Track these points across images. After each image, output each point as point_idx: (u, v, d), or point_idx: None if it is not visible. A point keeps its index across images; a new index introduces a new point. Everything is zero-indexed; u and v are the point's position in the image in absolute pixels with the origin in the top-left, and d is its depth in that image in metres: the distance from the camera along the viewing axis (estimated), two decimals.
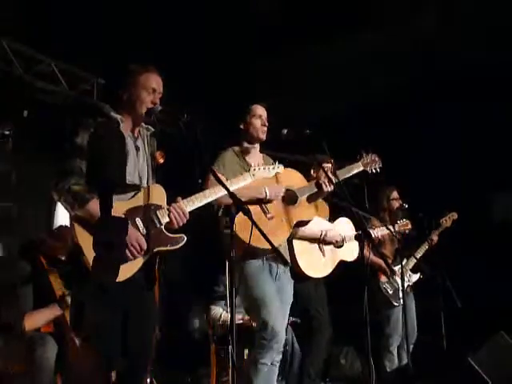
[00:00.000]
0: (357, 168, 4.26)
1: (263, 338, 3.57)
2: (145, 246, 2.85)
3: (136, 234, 2.85)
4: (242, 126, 3.97)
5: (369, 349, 4.03)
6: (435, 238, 5.73)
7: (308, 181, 4.23)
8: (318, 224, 4.47)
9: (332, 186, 4.00)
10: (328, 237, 4.58)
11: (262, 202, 3.75)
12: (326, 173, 4.46)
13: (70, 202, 2.83)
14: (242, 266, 3.67)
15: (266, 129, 3.95)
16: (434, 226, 5.76)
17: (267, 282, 3.74)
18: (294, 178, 4.03)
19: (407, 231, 5.48)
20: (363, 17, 5.71)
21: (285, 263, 3.42)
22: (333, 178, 4.02)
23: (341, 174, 4.15)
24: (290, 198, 3.93)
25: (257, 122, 3.94)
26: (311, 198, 4.08)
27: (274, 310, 3.64)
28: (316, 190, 4.01)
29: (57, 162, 3.05)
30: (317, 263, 4.51)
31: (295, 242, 4.37)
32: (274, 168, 3.62)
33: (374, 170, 4.32)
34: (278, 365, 3.78)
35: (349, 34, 5.88)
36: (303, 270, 4.39)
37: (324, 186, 3.98)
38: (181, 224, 3.01)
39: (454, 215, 5.88)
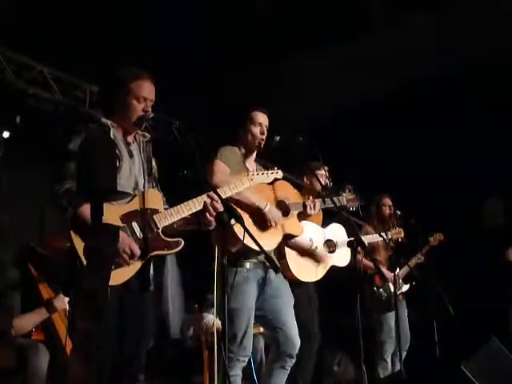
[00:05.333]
0: (340, 202, 4.38)
1: (230, 351, 3.54)
2: (138, 253, 2.84)
3: (129, 241, 2.83)
4: (240, 132, 3.94)
5: (361, 356, 4.03)
6: (421, 257, 5.76)
7: (300, 189, 4.30)
8: (308, 231, 4.48)
9: (317, 210, 4.09)
10: (317, 250, 4.54)
11: (257, 212, 3.73)
12: (318, 180, 4.51)
13: (64, 206, 2.82)
14: (226, 272, 3.66)
15: (264, 137, 3.92)
16: (422, 242, 5.80)
17: (247, 296, 3.71)
18: (289, 191, 4.05)
19: (399, 239, 5.50)
20: (362, 20, 5.74)
21: (275, 269, 3.41)
22: (322, 202, 4.16)
23: (328, 202, 4.24)
24: (283, 210, 3.94)
25: (256, 130, 3.89)
26: (300, 217, 4.10)
27: (244, 325, 3.64)
28: (302, 209, 4.06)
29: (51, 168, 3.03)
30: (308, 268, 4.50)
31: (286, 249, 4.35)
32: (272, 173, 3.61)
33: (352, 208, 4.47)
34: (289, 369, 3.81)
35: (348, 37, 5.90)
36: (295, 274, 4.38)
37: (308, 209, 4.05)
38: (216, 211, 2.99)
39: (441, 236, 5.92)
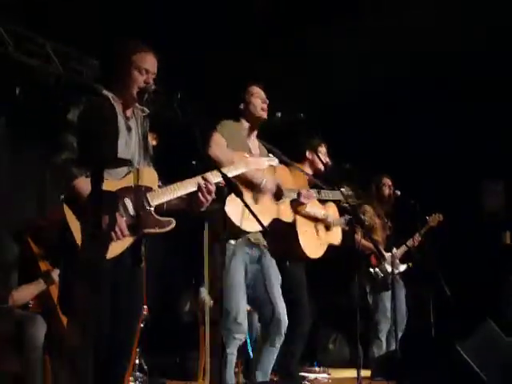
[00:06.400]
0: (337, 196, 4.40)
1: (225, 328, 3.57)
2: (126, 232, 2.83)
3: (119, 220, 2.83)
4: (241, 106, 3.94)
5: (357, 335, 4.06)
6: (418, 238, 5.77)
7: (302, 163, 4.26)
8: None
9: (310, 201, 4.15)
10: (329, 216, 4.61)
11: (254, 187, 3.74)
12: (319, 157, 4.51)
13: (58, 178, 2.82)
14: (214, 248, 3.67)
15: (266, 106, 3.94)
16: (421, 223, 5.80)
17: (238, 271, 3.71)
18: (286, 177, 4.07)
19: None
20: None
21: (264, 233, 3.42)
22: (318, 194, 4.23)
23: (324, 194, 4.31)
24: (277, 194, 3.95)
25: (257, 101, 3.92)
26: (292, 204, 4.12)
27: (237, 301, 3.64)
28: (296, 196, 4.08)
29: (50, 142, 3.03)
30: (314, 244, 4.52)
31: (299, 220, 4.35)
32: (268, 160, 3.61)
33: (347, 205, 4.45)
34: (278, 347, 3.83)
35: (349, 22, 5.85)
36: (303, 249, 4.39)
37: (302, 197, 4.08)
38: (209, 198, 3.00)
39: (440, 217, 5.92)
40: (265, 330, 3.80)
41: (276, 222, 3.93)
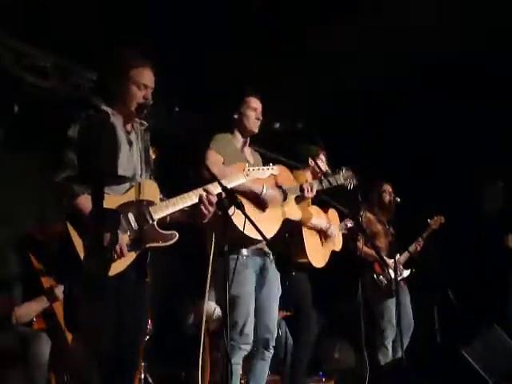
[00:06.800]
0: (338, 180, 4.37)
1: (232, 339, 3.55)
2: (125, 252, 2.81)
3: (120, 239, 2.81)
4: (235, 116, 3.94)
5: (363, 343, 4.04)
6: (421, 242, 5.78)
7: (304, 170, 4.32)
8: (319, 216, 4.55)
9: (313, 193, 4.08)
10: (330, 230, 4.61)
11: (255, 197, 3.73)
12: (318, 165, 4.52)
13: (60, 196, 2.81)
14: (224, 260, 3.66)
15: (259, 122, 3.94)
16: (422, 227, 5.81)
17: (247, 282, 3.71)
18: (284, 176, 4.02)
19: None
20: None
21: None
22: (319, 184, 4.18)
23: (325, 182, 4.27)
24: (281, 195, 3.93)
25: (251, 114, 3.92)
26: (297, 200, 4.11)
27: (246, 312, 3.64)
28: (299, 192, 4.05)
29: (49, 156, 3.02)
30: (319, 253, 4.53)
31: (305, 231, 4.38)
32: (268, 169, 3.60)
33: (349, 186, 4.43)
34: (269, 360, 3.82)
35: (349, 21, 5.84)
36: (310, 259, 4.39)
37: (306, 192, 4.03)
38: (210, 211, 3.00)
39: (442, 219, 5.93)
40: (255, 343, 3.75)
41: (286, 222, 3.93)
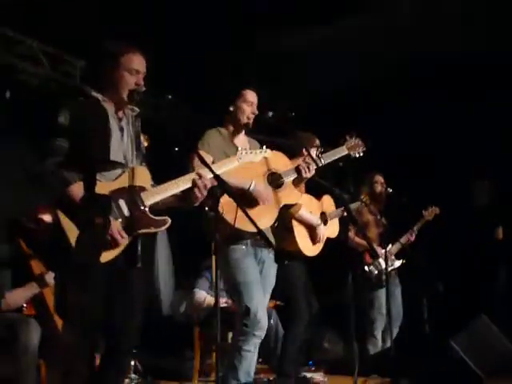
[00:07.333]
0: (341, 152, 4.24)
1: (245, 325, 3.56)
2: (120, 241, 2.82)
3: (117, 225, 2.82)
4: (231, 109, 3.90)
5: (353, 333, 4.06)
6: (414, 233, 5.78)
7: (296, 159, 4.28)
8: (312, 207, 4.52)
9: (312, 172, 3.99)
10: (318, 230, 4.55)
11: (243, 193, 3.67)
12: (310, 154, 4.46)
13: (51, 184, 2.81)
14: (226, 250, 3.66)
15: (253, 116, 3.90)
16: (414, 219, 5.82)
17: (251, 268, 3.72)
18: (280, 161, 3.98)
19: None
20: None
21: (269, 245, 3.41)
22: (318, 159, 4.04)
23: (326, 157, 4.14)
24: (275, 182, 3.92)
25: (247, 108, 3.88)
26: (295, 182, 4.07)
27: (256, 297, 3.63)
28: (296, 174, 4.00)
29: (39, 144, 3.02)
30: (311, 241, 4.52)
31: (294, 222, 4.36)
32: (260, 152, 3.57)
33: (357, 155, 4.31)
34: (257, 348, 3.78)
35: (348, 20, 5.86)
36: (301, 249, 4.39)
37: (303, 172, 3.96)
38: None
39: (436, 210, 5.95)
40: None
41: (284, 208, 3.90)
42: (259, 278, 3.75)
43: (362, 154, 4.31)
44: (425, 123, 6.76)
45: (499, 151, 6.51)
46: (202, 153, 3.61)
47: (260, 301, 3.65)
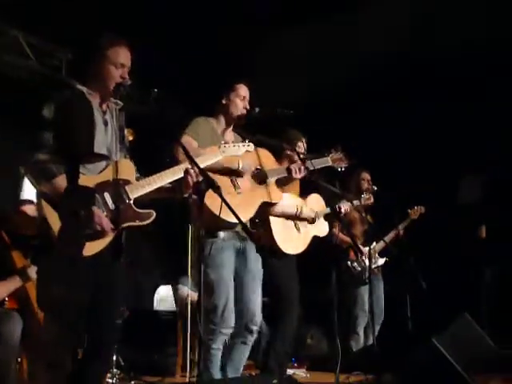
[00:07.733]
0: (325, 162, 4.33)
1: (212, 323, 3.58)
2: (108, 228, 2.81)
3: (101, 215, 2.80)
4: (223, 102, 3.92)
5: (335, 329, 4.07)
6: (401, 231, 5.79)
7: (281, 159, 4.27)
8: (291, 200, 4.49)
9: (302, 173, 4.05)
10: (303, 214, 4.56)
11: (234, 172, 3.72)
12: (298, 155, 4.46)
13: (37, 176, 2.79)
14: (203, 243, 3.65)
15: (245, 111, 3.91)
16: (400, 217, 5.83)
17: (225, 265, 3.71)
18: (266, 159, 4.00)
19: (369, 204, 5.49)
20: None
21: (249, 235, 3.40)
22: (309, 163, 4.10)
23: (309, 164, 4.18)
24: (259, 178, 3.92)
25: (239, 102, 3.90)
26: (280, 182, 4.08)
27: (225, 296, 3.64)
28: (286, 174, 4.02)
29: (24, 136, 3.00)
30: (293, 239, 4.50)
31: (272, 219, 4.35)
32: (244, 146, 3.58)
33: (340, 169, 4.40)
34: (250, 345, 3.83)
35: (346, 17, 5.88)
36: (280, 246, 4.38)
37: (294, 173, 4.01)
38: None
39: (422, 209, 5.97)
40: (237, 325, 3.76)
41: (264, 205, 3.90)
42: (232, 276, 3.74)
43: (343, 169, 4.41)
44: (425, 123, 6.78)
45: (499, 151, 6.54)
46: (188, 138, 3.63)
47: (228, 299, 3.65)
